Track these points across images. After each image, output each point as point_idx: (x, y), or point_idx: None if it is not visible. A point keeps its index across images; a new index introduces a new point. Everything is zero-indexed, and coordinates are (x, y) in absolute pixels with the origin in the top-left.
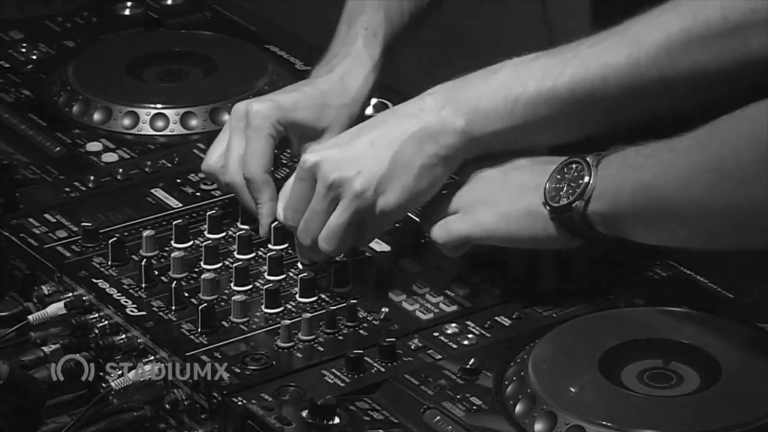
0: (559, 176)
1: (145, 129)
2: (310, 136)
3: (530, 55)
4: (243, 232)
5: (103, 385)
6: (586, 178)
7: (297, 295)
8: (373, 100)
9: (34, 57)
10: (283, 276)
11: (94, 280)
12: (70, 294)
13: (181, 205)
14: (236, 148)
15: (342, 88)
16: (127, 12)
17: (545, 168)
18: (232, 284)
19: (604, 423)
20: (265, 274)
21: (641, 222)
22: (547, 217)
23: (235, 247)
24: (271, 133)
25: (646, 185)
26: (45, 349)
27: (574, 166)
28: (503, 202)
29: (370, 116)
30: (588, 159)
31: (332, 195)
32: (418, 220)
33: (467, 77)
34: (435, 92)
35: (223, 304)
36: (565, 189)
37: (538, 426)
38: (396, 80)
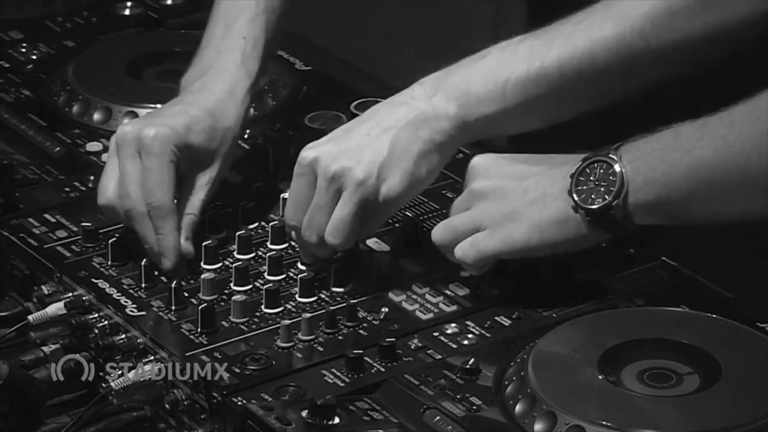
0: (582, 178)
1: None
2: (200, 158)
3: (515, 39)
4: (243, 232)
5: (103, 385)
6: (619, 173)
7: (297, 295)
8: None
9: (34, 57)
10: (283, 276)
11: (94, 280)
12: (70, 294)
13: None
14: (133, 175)
15: (226, 109)
16: (127, 12)
17: (561, 171)
18: (232, 284)
19: (604, 423)
20: (265, 274)
21: (701, 201)
22: (579, 221)
23: (235, 247)
24: (172, 159)
25: (710, 162)
26: (45, 349)
27: (596, 164)
28: (530, 213)
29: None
30: (611, 155)
31: (335, 187)
32: (419, 220)
33: (455, 65)
34: (424, 81)
35: (223, 304)
36: (596, 189)
37: (538, 426)
38: (394, 79)
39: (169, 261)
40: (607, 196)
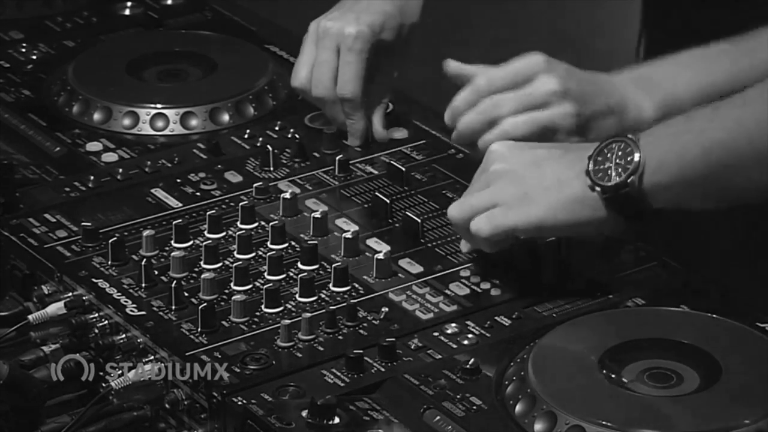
0: (600, 158)
1: (145, 129)
2: (389, 53)
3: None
4: (243, 232)
5: (103, 385)
6: (636, 154)
7: (297, 295)
8: None
9: (34, 57)
10: (283, 276)
11: (94, 280)
12: (70, 294)
13: (181, 205)
14: (329, 65)
15: (412, 5)
16: (127, 12)
17: (580, 154)
18: (232, 284)
19: (604, 423)
20: (265, 274)
21: (715, 181)
22: (595, 202)
23: (235, 247)
24: (367, 56)
25: (722, 142)
26: (45, 348)
27: (615, 145)
28: (547, 193)
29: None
30: (629, 136)
31: None
32: (419, 220)
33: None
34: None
35: (223, 304)
36: (613, 168)
37: (538, 426)
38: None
39: (358, 141)
40: (623, 173)
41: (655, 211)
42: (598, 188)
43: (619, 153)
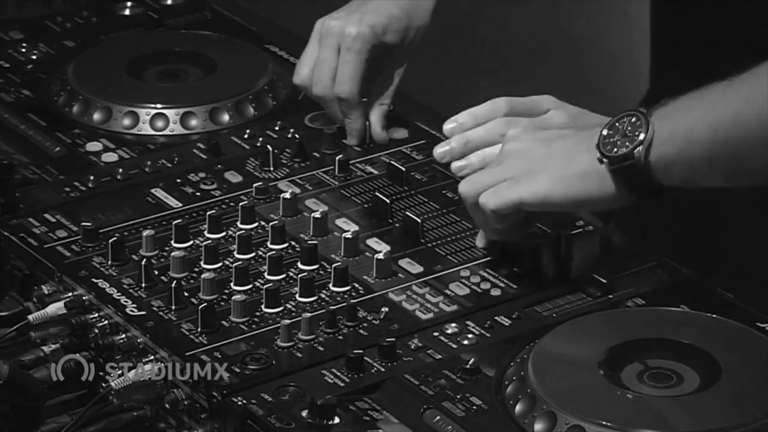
0: (611, 131)
1: (145, 129)
2: (392, 54)
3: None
4: (243, 232)
5: (103, 384)
6: (644, 126)
7: (297, 295)
8: None
9: (34, 57)
10: (283, 276)
11: (94, 280)
12: (70, 294)
13: (180, 205)
14: (329, 64)
15: (420, 7)
16: (127, 12)
17: (591, 132)
18: (232, 284)
19: (604, 423)
20: (265, 274)
21: (722, 158)
22: (603, 175)
23: (235, 247)
24: (367, 57)
25: (731, 119)
26: (45, 348)
27: (626, 119)
28: (555, 166)
29: None
30: (641, 109)
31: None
32: (419, 220)
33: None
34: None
35: (223, 304)
36: (621, 140)
37: (538, 426)
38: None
39: (355, 140)
40: (629, 144)
41: (663, 189)
42: (605, 160)
43: (629, 127)
